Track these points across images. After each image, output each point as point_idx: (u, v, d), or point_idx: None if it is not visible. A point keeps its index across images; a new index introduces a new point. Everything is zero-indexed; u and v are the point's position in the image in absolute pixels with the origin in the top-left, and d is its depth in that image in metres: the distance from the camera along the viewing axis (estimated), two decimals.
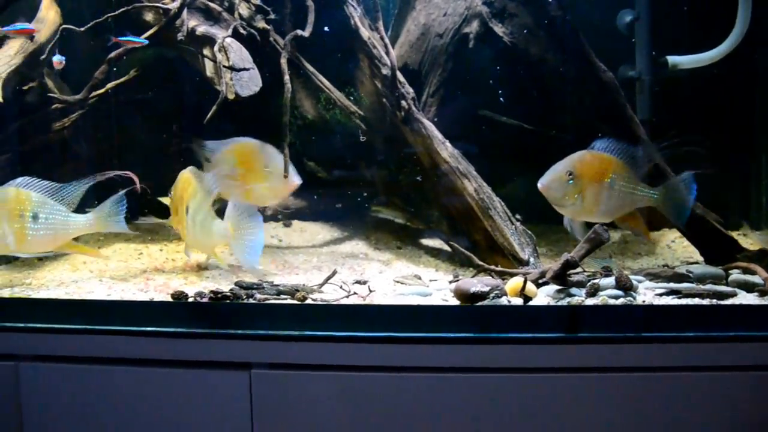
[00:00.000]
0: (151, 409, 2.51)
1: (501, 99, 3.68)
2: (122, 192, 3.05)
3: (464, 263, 3.35)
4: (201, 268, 3.28)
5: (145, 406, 2.51)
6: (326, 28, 3.53)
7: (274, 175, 3.20)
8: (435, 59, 3.73)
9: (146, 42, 3.26)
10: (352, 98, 3.72)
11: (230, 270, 3.09)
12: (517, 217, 3.34)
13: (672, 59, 3.63)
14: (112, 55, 3.19)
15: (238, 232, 2.91)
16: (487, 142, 3.68)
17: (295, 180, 3.23)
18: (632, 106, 3.47)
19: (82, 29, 3.16)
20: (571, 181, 2.87)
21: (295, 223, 4.04)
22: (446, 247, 3.62)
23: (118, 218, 3.05)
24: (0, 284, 3.11)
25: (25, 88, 3.45)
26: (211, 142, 3.27)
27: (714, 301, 2.59)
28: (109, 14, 3.16)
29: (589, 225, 2.91)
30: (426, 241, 3.82)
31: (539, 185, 2.89)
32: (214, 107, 3.09)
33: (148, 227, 3.95)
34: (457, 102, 3.73)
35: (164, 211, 4.09)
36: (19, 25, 3.18)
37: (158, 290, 2.92)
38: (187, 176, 3.10)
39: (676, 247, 3.69)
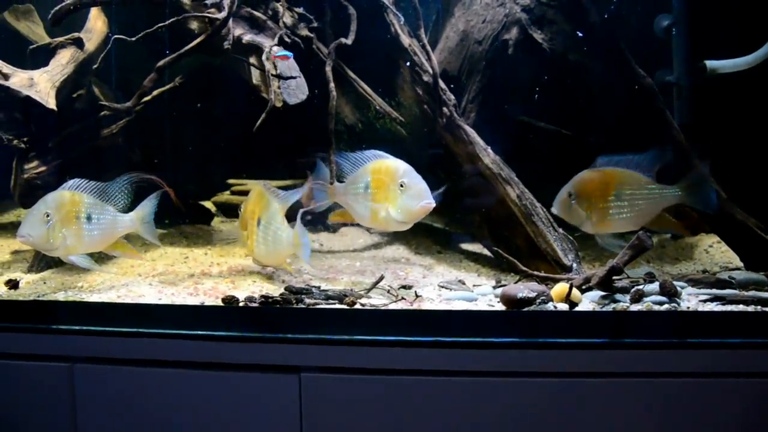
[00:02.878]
0: (202, 411, 2.56)
1: (540, 105, 3.69)
2: (156, 193, 3.12)
3: (506, 268, 3.38)
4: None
5: (196, 408, 2.57)
6: (367, 36, 3.57)
7: (408, 195, 2.86)
8: (474, 66, 3.74)
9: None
10: (393, 104, 3.75)
11: (280, 272, 3.11)
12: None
13: (710, 64, 3.62)
14: (161, 63, 3.24)
15: (299, 239, 2.96)
16: (525, 148, 3.70)
17: (430, 201, 2.84)
18: (670, 110, 3.48)
19: (133, 39, 3.20)
20: (574, 202, 2.91)
21: None
22: (486, 252, 3.65)
23: (151, 219, 3.13)
24: (53, 287, 3.19)
25: (74, 95, 3.51)
26: (348, 155, 3.04)
27: (758, 308, 2.59)
28: (161, 24, 3.20)
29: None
30: (465, 246, 3.85)
31: (552, 210, 3.00)
32: (263, 115, 3.13)
33: (191, 231, 4.02)
34: (496, 108, 3.73)
35: (206, 216, 4.18)
36: None
37: (207, 294, 2.97)
38: (259, 190, 3.11)
39: (713, 252, 3.69)
